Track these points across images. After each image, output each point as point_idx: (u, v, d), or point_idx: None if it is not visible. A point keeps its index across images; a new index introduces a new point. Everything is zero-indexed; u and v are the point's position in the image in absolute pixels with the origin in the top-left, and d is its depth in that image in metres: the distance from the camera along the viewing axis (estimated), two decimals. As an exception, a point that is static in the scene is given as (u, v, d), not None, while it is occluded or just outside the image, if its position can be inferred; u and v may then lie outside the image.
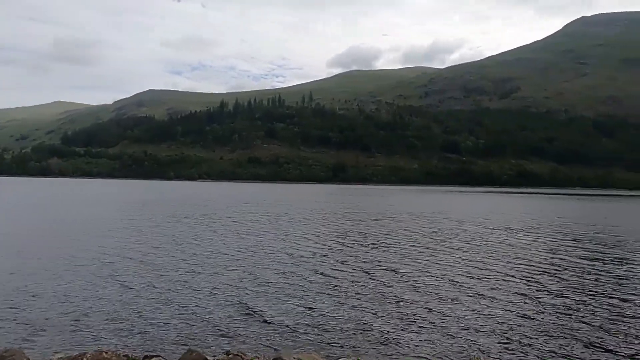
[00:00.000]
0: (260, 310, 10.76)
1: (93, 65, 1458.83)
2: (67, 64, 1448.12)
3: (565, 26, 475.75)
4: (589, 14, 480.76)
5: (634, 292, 13.46)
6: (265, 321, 10.07)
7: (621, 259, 19.21)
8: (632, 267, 17.32)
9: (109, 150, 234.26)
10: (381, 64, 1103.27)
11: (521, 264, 17.21)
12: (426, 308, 11.22)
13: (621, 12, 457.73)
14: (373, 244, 21.66)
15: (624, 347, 9.11)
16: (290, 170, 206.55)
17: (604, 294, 13.17)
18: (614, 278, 15.30)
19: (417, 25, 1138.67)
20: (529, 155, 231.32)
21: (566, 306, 11.76)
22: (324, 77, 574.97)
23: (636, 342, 9.42)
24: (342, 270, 15.38)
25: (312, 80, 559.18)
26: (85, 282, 13.04)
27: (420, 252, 19.31)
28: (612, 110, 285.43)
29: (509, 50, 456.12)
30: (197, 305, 11.12)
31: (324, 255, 18.20)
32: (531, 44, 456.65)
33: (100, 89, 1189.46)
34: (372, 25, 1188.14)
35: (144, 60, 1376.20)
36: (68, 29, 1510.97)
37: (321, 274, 14.79)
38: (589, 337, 9.62)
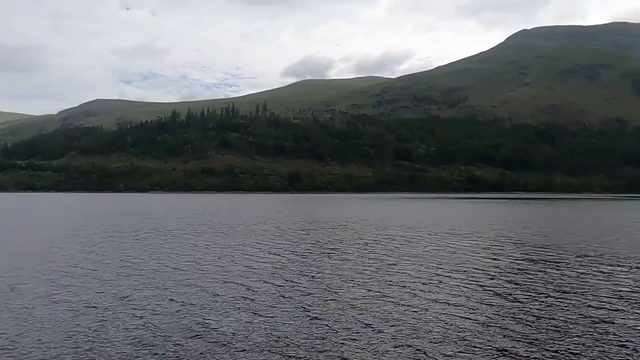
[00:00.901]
0: (209, 327, 10.42)
1: (35, 72, 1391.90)
2: (6, 71, 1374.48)
3: (507, 38, 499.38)
4: (529, 27, 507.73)
5: (572, 292, 14.29)
6: (214, 339, 9.76)
7: (562, 261, 20.28)
8: (572, 269, 18.35)
9: (53, 162, 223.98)
10: (334, 74, 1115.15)
11: (468, 269, 17.78)
12: (376, 317, 11.26)
13: (558, 26, 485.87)
14: (324, 253, 21.66)
15: (566, 347, 9.67)
16: (245, 180, 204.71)
17: (542, 294, 13.90)
18: (554, 279, 16.16)
19: (369, 36, 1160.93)
20: (477, 161, 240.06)
21: (510, 309, 12.33)
22: (278, 87, 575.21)
23: (579, 342, 10.03)
24: (292, 282, 14.98)
25: (266, 89, 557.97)
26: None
27: (369, 260, 19.43)
28: (552, 118, 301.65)
29: (456, 61, 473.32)
30: (137, 326, 10.54)
31: (275, 266, 17.68)
32: (477, 54, 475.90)
33: (43, 98, 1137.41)
34: (325, 36, 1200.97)
35: (91, 69, 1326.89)
36: (6, 34, 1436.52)
37: (269, 288, 14.12)
38: (531, 338, 10.14)
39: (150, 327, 10.41)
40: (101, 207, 70.81)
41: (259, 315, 11.24)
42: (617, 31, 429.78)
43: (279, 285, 14.38)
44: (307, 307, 11.92)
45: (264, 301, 12.51)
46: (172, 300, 12.62)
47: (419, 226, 36.42)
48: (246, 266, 17.77)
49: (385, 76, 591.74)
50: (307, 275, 16.02)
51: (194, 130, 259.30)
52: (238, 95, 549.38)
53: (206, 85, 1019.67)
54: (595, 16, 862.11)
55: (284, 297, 13.04)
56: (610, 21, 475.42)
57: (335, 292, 13.58)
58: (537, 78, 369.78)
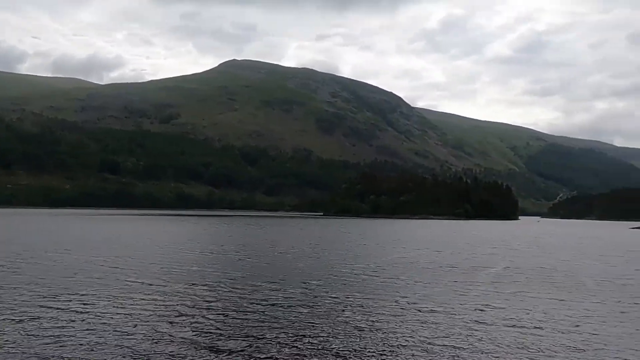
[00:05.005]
0: None
1: None
2: None
3: (219, 65, 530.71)
4: (239, 58, 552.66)
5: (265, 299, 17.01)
6: None
7: (233, 277, 23.46)
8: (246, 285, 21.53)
9: None
10: (27, 69, 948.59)
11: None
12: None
13: (263, 62, 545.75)
14: None
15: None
16: None
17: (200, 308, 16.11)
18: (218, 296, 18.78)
19: (74, 36, 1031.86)
20: (187, 178, 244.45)
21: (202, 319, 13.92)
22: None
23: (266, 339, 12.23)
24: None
25: None
26: None
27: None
28: (255, 142, 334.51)
29: (171, 78, 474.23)
30: None
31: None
32: (190, 75, 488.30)
33: None
34: (19, 24, 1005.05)
35: None
36: None
37: None
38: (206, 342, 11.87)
39: None
40: None
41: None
42: (306, 75, 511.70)
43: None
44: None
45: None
46: None
47: (101, 248, 35.33)
48: None
49: (91, 81, 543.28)
50: None
51: None
52: None
53: None
54: (289, 59, 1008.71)
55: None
56: (301, 66, 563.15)
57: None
58: (244, 105, 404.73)
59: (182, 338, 11.74)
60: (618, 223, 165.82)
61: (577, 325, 14.40)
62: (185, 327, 12.76)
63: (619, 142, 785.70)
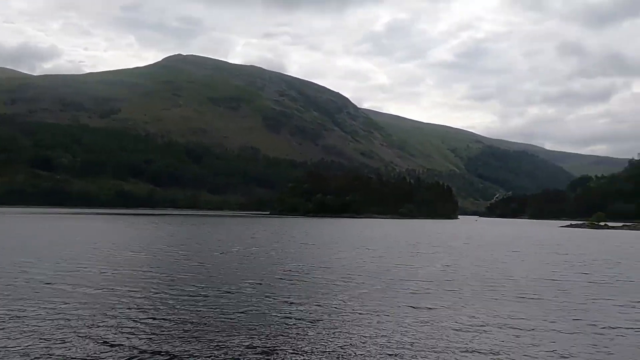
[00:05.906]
0: None
1: None
2: None
3: (164, 59, 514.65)
4: (184, 53, 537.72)
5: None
6: None
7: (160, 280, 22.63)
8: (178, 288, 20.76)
9: None
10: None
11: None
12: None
13: (209, 57, 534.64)
14: None
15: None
16: None
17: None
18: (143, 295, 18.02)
19: (4, 23, 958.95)
20: (127, 176, 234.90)
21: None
22: None
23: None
24: None
25: None
26: None
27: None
28: (200, 139, 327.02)
29: (111, 71, 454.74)
30: None
31: None
32: (133, 69, 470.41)
33: None
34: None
35: None
36: None
37: None
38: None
39: None
40: None
41: None
42: (253, 73, 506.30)
43: None
44: None
45: None
46: None
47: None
48: None
49: (22, 71, 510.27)
50: None
51: None
52: None
53: None
54: (235, 56, 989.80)
55: None
56: (248, 63, 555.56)
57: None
58: (189, 101, 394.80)
59: (89, 350, 10.89)
60: (548, 222, 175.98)
61: (511, 323, 14.73)
62: (96, 337, 11.85)
63: (549, 146, 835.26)
